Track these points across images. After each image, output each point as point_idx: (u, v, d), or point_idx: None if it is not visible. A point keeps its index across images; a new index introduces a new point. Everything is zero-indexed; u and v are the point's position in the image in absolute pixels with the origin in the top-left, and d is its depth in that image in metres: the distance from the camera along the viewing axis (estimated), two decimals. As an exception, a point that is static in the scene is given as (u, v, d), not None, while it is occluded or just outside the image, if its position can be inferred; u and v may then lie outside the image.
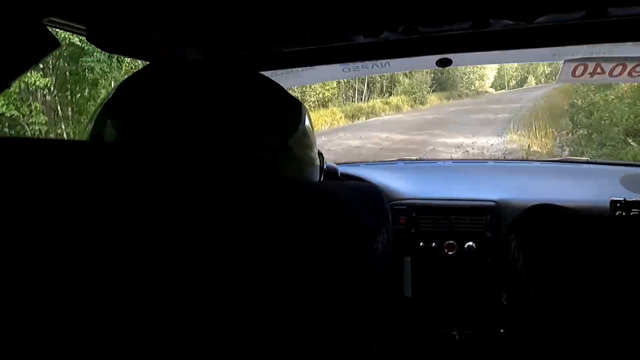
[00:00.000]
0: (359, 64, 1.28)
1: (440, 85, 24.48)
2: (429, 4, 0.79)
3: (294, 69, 1.21)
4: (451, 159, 2.06)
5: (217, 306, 0.33)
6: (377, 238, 0.48)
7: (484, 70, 29.52)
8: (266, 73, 1.24)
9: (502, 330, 1.38)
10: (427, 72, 20.51)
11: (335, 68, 1.28)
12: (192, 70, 0.50)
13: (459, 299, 1.49)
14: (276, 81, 0.54)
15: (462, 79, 27.08)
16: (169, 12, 0.75)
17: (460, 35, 0.93)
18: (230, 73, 0.51)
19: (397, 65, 1.34)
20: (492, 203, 1.43)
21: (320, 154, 0.61)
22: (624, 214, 1.22)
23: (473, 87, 28.63)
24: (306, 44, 0.97)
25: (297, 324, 0.34)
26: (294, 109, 0.54)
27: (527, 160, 1.94)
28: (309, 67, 1.22)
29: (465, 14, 0.83)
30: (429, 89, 21.63)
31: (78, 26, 0.71)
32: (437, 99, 21.73)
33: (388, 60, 1.21)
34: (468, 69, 25.56)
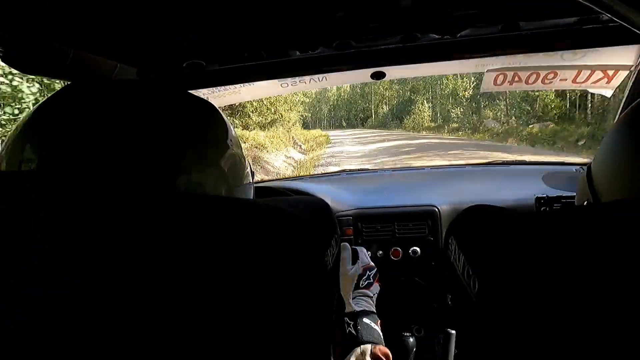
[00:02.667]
0: (296, 79, 1.30)
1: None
2: (361, 20, 0.82)
3: (231, 86, 1.20)
4: (391, 168, 2.13)
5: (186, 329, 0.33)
6: (327, 251, 0.49)
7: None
8: (204, 90, 1.22)
9: (449, 330, 1.43)
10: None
11: (274, 83, 1.29)
12: (117, 91, 0.47)
13: (409, 304, 1.52)
14: (215, 98, 0.52)
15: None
16: (95, 28, 0.71)
17: (391, 49, 0.97)
18: (157, 93, 0.49)
19: (333, 80, 1.37)
20: (431, 208, 1.49)
21: (251, 172, 0.60)
22: (547, 209, 1.33)
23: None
24: (243, 60, 0.97)
25: (271, 335, 0.36)
26: (223, 128, 0.53)
27: (459, 165, 2.06)
28: (247, 84, 1.22)
29: (394, 30, 0.87)
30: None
31: None
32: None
33: (325, 74, 1.24)
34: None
